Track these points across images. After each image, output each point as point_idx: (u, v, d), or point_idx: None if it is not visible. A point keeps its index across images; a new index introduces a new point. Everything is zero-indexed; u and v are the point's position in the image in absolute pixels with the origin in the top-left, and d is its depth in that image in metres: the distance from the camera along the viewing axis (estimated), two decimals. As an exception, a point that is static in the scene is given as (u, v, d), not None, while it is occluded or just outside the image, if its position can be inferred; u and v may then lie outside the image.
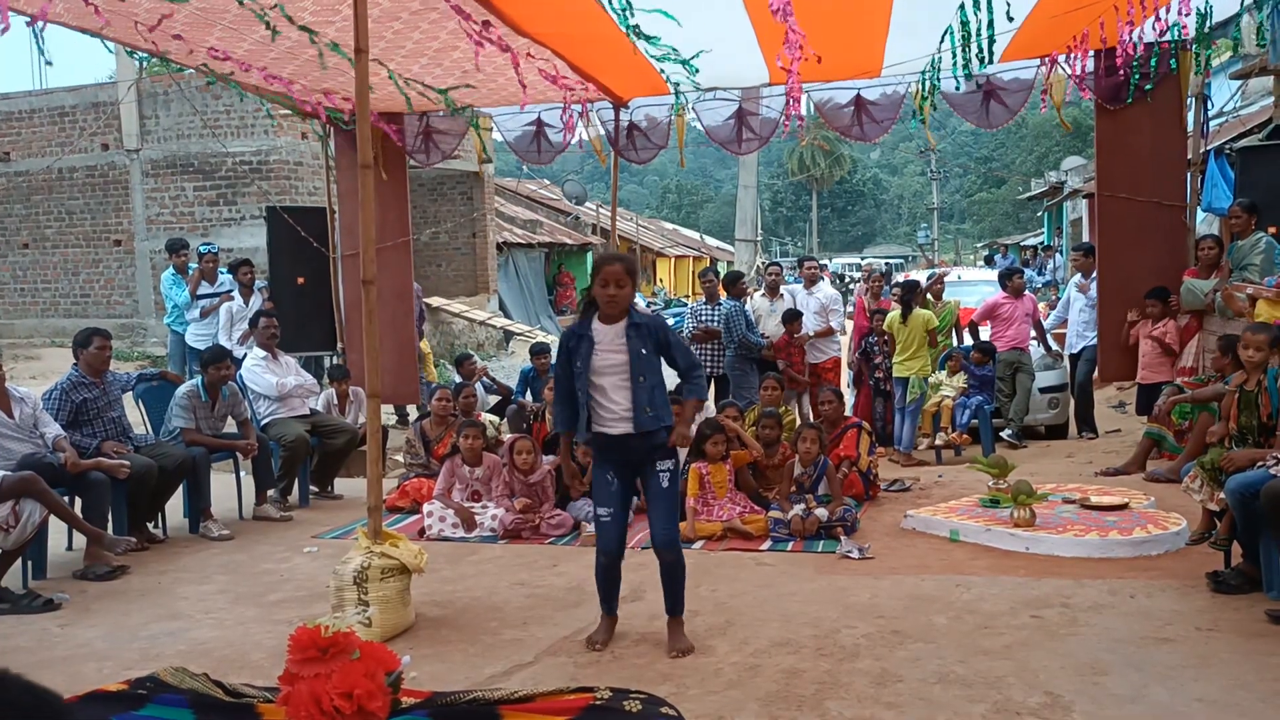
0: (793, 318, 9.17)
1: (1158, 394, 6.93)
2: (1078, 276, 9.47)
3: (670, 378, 4.19)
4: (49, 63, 5.68)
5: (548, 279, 24.81)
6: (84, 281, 16.28)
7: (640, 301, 8.85)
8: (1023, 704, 3.44)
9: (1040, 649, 3.95)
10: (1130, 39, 6.71)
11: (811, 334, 9.43)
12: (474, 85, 7.43)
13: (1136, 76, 7.27)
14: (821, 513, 5.92)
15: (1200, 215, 8.57)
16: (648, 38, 5.83)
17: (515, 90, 7.22)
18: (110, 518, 5.77)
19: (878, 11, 6.04)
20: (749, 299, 9.70)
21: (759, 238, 29.64)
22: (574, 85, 7.54)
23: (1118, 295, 7.75)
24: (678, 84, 7.65)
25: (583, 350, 4.03)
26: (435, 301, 17.18)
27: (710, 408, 7.60)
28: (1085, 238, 18.24)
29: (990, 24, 5.94)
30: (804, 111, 7.85)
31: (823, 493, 6.29)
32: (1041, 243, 29.46)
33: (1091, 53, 7.30)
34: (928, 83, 7.43)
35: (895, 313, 8.97)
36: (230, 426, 6.86)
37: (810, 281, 10.01)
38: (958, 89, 7.43)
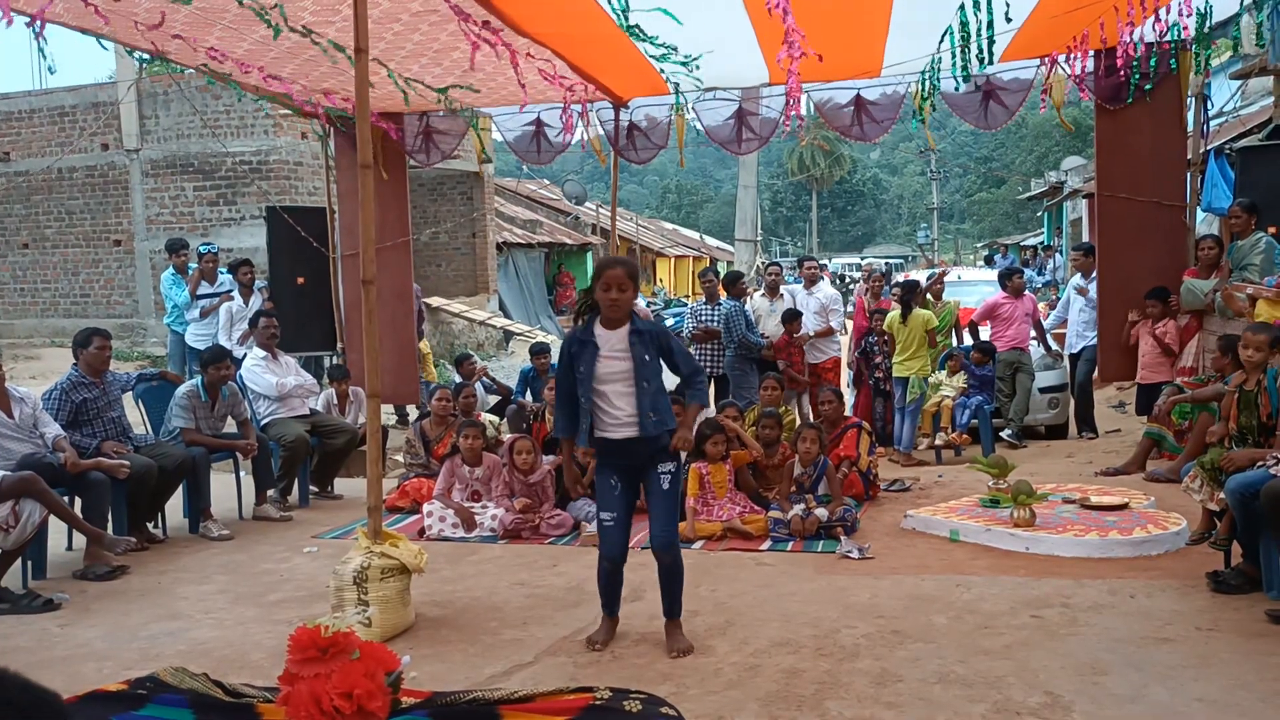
0: (792, 318, 9.17)
1: (1157, 394, 6.93)
2: (1077, 277, 9.47)
3: (669, 379, 4.19)
4: (52, 70, 5.68)
5: (547, 279, 24.81)
6: (84, 281, 16.27)
7: (640, 302, 8.82)
8: (1023, 704, 3.44)
9: (1040, 649, 3.95)
10: (1130, 39, 6.72)
11: (811, 334, 9.44)
12: (475, 86, 7.42)
13: (1136, 76, 7.26)
14: (821, 513, 5.92)
15: (1200, 215, 8.57)
16: (648, 38, 5.83)
17: (515, 90, 7.22)
18: (110, 518, 5.77)
19: (878, 11, 6.04)
20: (749, 299, 9.70)
21: (759, 238, 29.66)
22: (574, 85, 7.54)
23: (1118, 295, 7.75)
24: (678, 84, 7.66)
25: (586, 356, 4.01)
26: (435, 301, 17.17)
27: (710, 408, 7.59)
28: (1085, 238, 18.22)
29: (990, 24, 5.94)
30: (804, 111, 7.86)
31: (823, 493, 6.29)
32: (1041, 243, 29.46)
33: (1091, 53, 7.30)
34: (928, 83, 7.42)
35: (895, 313, 8.96)
36: (230, 426, 6.86)
37: (810, 281, 10.01)
38: (957, 89, 7.43)
